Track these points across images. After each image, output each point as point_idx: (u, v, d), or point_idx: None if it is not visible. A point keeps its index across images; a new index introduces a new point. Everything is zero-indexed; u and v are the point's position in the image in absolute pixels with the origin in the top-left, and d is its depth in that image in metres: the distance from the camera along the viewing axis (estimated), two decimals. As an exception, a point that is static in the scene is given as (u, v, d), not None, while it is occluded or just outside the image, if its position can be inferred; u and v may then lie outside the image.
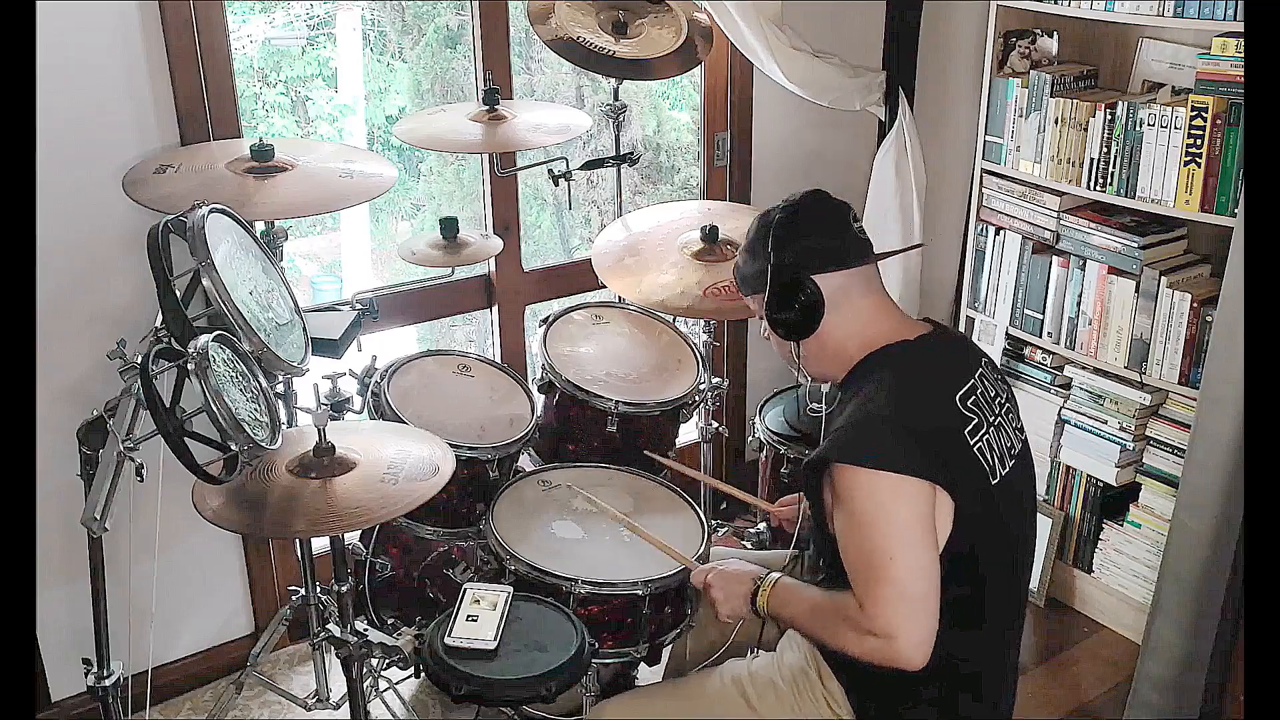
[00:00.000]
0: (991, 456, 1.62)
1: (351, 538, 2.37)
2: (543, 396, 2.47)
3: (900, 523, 1.52)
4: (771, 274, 1.66)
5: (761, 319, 1.76)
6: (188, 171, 2.13)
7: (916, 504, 1.53)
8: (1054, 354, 2.89)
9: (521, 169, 2.79)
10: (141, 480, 1.60)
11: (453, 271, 2.49)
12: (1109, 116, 2.60)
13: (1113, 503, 2.84)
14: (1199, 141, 2.43)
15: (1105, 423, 2.76)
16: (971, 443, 1.60)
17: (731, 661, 1.85)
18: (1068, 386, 2.87)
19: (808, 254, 1.66)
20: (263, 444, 1.61)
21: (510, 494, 2.23)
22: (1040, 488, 2.96)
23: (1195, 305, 2.53)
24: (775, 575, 1.75)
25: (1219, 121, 2.40)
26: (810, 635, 1.71)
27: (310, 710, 2.41)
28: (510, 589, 1.89)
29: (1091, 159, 2.65)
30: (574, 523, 2.15)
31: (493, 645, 1.77)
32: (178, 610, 2.56)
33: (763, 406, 2.63)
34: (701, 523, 2.17)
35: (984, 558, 1.62)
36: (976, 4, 2.95)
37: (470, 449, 2.23)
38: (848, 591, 1.57)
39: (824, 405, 1.76)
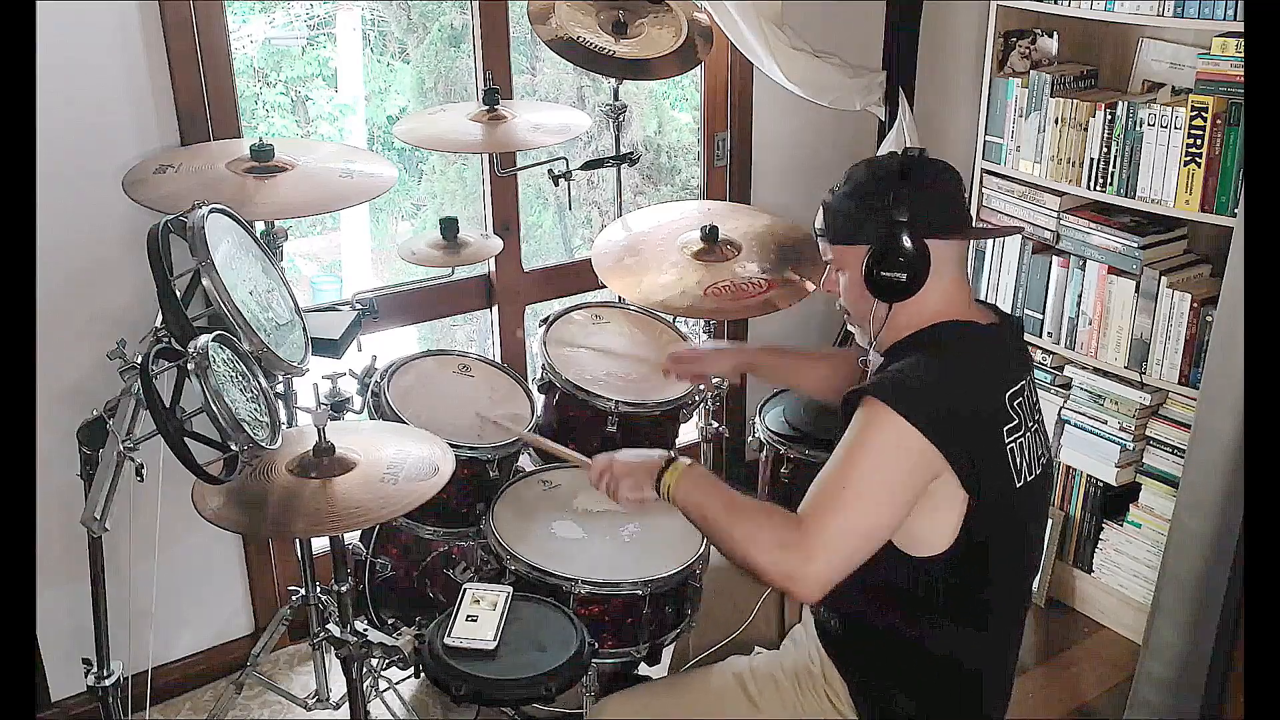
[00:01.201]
0: (1021, 460, 1.60)
1: (351, 538, 2.37)
2: (543, 396, 2.47)
3: (892, 473, 1.49)
4: (889, 228, 1.58)
5: (837, 270, 1.69)
6: (188, 171, 2.13)
7: (918, 468, 1.50)
8: (1054, 354, 2.89)
9: (522, 169, 2.79)
10: (141, 480, 1.59)
11: (453, 271, 2.49)
12: (1109, 116, 2.59)
13: (1113, 503, 2.84)
14: (1199, 141, 2.43)
15: (1105, 423, 2.76)
16: (1007, 441, 1.58)
17: (733, 658, 1.85)
18: (1068, 386, 2.87)
19: (929, 215, 1.59)
20: (263, 444, 1.61)
21: (510, 494, 2.23)
22: (1040, 488, 2.96)
23: (1195, 305, 2.53)
24: (687, 460, 1.66)
25: (1219, 121, 2.40)
26: (715, 531, 1.57)
27: (310, 710, 2.41)
28: (510, 589, 1.89)
29: (1091, 159, 2.65)
30: (574, 523, 2.15)
31: (492, 645, 1.77)
32: (178, 610, 2.56)
33: (763, 406, 2.62)
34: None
35: (995, 558, 1.61)
36: (976, 4, 2.95)
37: (470, 449, 2.23)
38: (775, 503, 1.54)
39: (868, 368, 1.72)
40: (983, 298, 2.97)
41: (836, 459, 1.53)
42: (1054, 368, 2.90)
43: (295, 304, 2.00)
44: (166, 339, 1.69)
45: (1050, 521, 2.90)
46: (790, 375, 2.16)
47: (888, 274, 1.59)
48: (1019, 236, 2.86)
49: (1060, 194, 2.76)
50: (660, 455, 1.68)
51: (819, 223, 1.71)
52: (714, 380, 2.61)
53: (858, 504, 1.47)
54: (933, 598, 1.60)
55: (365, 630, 1.92)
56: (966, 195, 1.67)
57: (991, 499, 1.55)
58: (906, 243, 1.57)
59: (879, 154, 1.70)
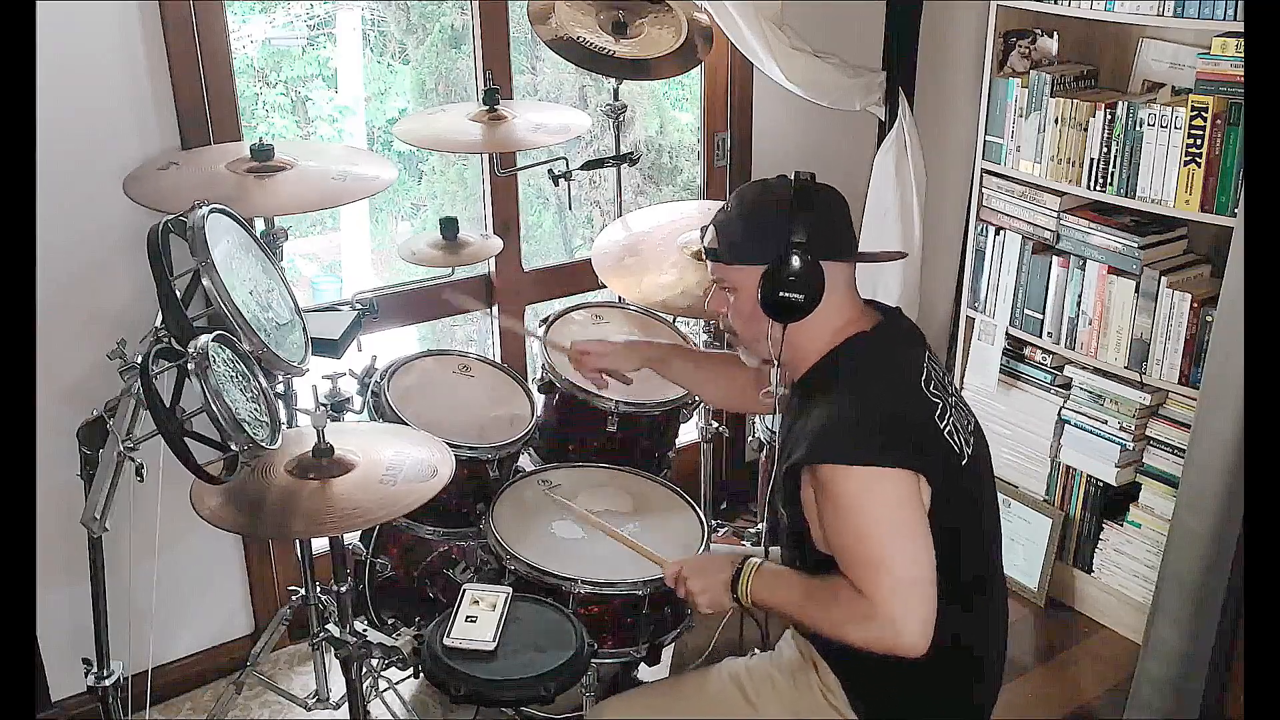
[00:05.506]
0: (958, 437, 1.64)
1: (351, 538, 2.37)
2: (543, 396, 2.47)
3: (889, 510, 1.53)
4: (785, 248, 1.60)
5: (725, 289, 1.69)
6: (188, 168, 2.12)
7: (902, 491, 1.53)
8: (1054, 354, 2.89)
9: (522, 169, 2.79)
10: (141, 480, 1.60)
11: (453, 271, 2.49)
12: (1109, 116, 2.59)
13: (1113, 503, 2.84)
14: (1199, 141, 2.43)
15: (1105, 423, 2.76)
16: (941, 427, 1.61)
17: (730, 659, 1.85)
18: (1068, 386, 2.87)
19: (823, 237, 1.62)
20: (263, 444, 1.61)
21: (510, 494, 2.23)
22: (1040, 487, 2.96)
23: (1195, 305, 2.53)
24: (756, 560, 1.69)
25: (1219, 121, 2.40)
26: (803, 623, 1.68)
27: (310, 710, 2.41)
28: (509, 590, 1.89)
29: (1091, 159, 2.65)
30: (574, 523, 2.15)
31: (491, 646, 1.77)
32: (178, 610, 2.56)
33: (763, 406, 2.63)
34: (701, 522, 2.18)
35: (964, 538, 1.63)
36: (976, 4, 2.95)
37: (470, 449, 2.23)
38: (839, 576, 1.56)
39: (778, 406, 1.73)
40: (980, 299, 2.98)
41: (840, 532, 1.56)
42: (1054, 368, 2.90)
43: (295, 304, 2.00)
44: (166, 339, 1.69)
45: (1050, 521, 2.90)
46: (693, 380, 2.11)
47: (784, 294, 1.61)
48: (1019, 236, 2.86)
49: (1060, 194, 2.76)
50: (730, 560, 1.71)
51: (708, 242, 1.70)
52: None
53: (897, 554, 1.51)
54: None
55: (365, 630, 1.92)
56: (852, 220, 1.71)
57: (949, 484, 1.59)
58: (802, 263, 1.59)
59: (769, 178, 1.72)
